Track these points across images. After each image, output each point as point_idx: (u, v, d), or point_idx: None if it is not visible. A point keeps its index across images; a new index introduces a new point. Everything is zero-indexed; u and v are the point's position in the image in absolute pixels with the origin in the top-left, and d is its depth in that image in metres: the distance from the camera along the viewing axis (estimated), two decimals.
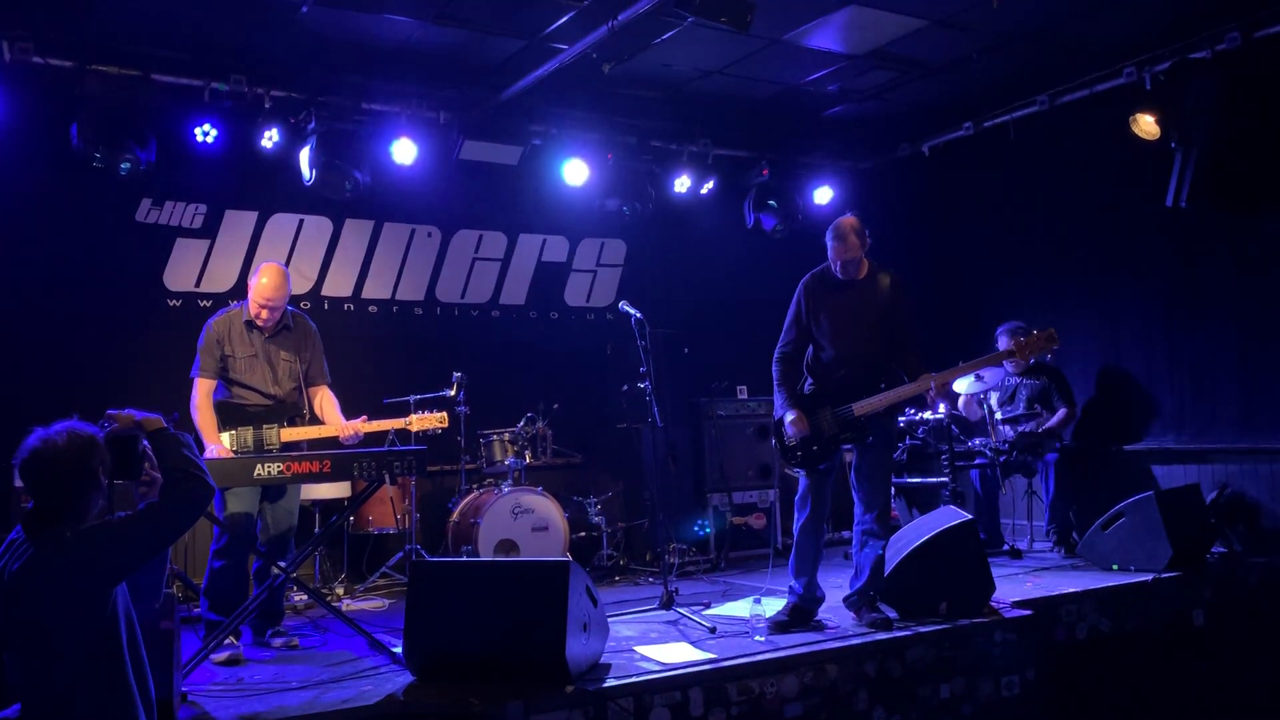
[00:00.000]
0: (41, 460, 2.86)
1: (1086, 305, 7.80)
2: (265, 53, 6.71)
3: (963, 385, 7.36)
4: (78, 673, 2.77)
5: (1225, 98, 6.40)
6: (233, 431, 5.08)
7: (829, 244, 5.10)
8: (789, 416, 5.06)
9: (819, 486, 5.13)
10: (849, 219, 5.14)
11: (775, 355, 5.25)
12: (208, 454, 4.90)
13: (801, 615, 5.06)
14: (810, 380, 5.22)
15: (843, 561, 6.89)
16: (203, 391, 5.12)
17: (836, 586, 5.47)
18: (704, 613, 5.45)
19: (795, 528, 5.20)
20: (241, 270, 7.28)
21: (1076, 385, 7.46)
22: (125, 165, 6.37)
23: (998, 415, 7.41)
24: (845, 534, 7.42)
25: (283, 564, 4.99)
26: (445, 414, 5.46)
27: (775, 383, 5.21)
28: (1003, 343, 7.33)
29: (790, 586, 5.16)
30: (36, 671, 2.78)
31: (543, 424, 7.21)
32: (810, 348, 5.24)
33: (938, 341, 8.18)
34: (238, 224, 7.34)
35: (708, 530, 7.52)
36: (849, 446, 5.13)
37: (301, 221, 7.57)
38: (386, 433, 5.92)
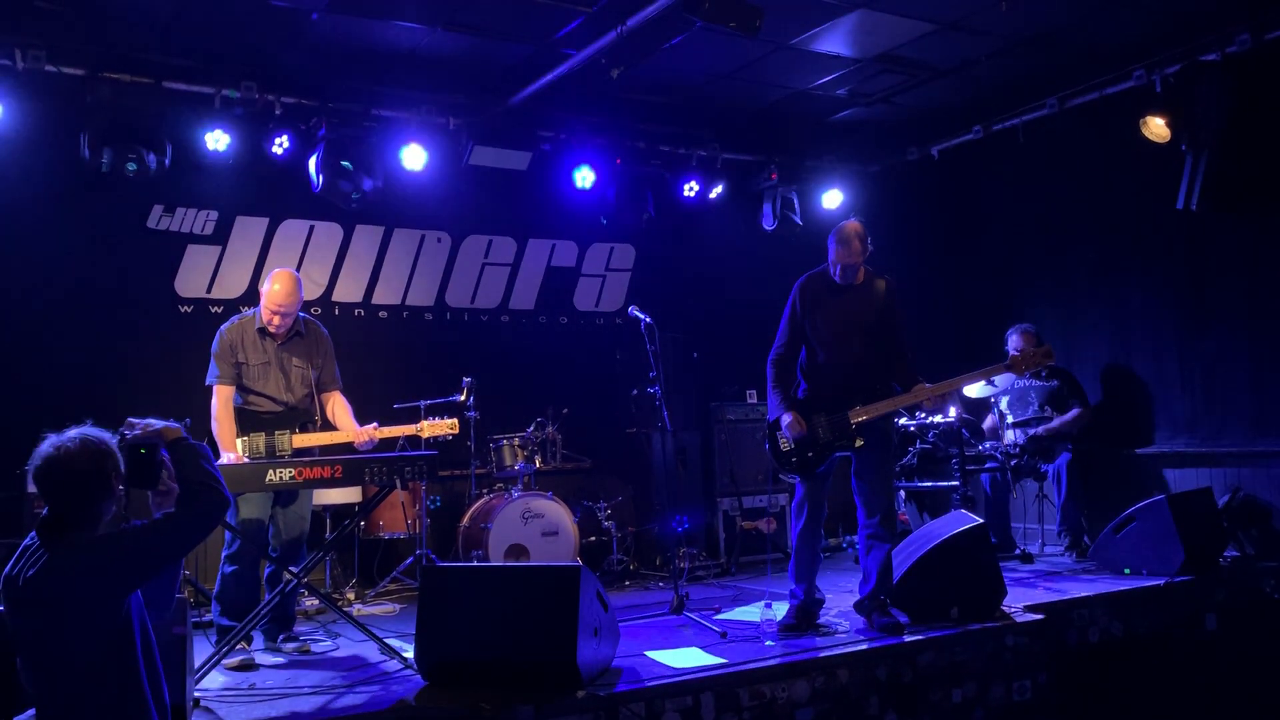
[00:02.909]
0: (55, 466, 2.86)
1: (1097, 308, 7.78)
2: (276, 59, 6.74)
3: (974, 390, 7.34)
4: (91, 678, 2.78)
5: (1236, 100, 6.38)
6: (245, 438, 5.09)
7: (831, 247, 5.11)
8: (785, 419, 5.05)
9: (815, 493, 5.13)
10: (853, 223, 5.15)
11: (770, 358, 5.24)
12: (222, 461, 4.92)
13: (806, 616, 5.09)
14: (804, 385, 5.21)
15: (853, 566, 6.88)
16: (222, 399, 5.12)
17: (848, 591, 5.47)
18: (715, 617, 5.45)
19: (793, 534, 5.21)
20: (252, 276, 7.31)
21: (1088, 388, 7.44)
22: (136, 171, 6.39)
23: (1009, 419, 7.39)
24: (853, 538, 7.41)
25: (294, 569, 5.00)
26: (456, 420, 5.46)
27: (769, 385, 5.19)
28: (1012, 342, 7.32)
29: (791, 591, 5.18)
30: (50, 677, 2.79)
31: (552, 429, 7.22)
32: (804, 351, 5.23)
33: (947, 344, 8.19)
34: (248, 230, 7.37)
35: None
36: (845, 454, 5.12)
37: (312, 228, 7.59)
38: (397, 438, 5.93)
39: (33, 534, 2.90)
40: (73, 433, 2.92)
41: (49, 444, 2.90)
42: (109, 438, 2.97)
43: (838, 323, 5.11)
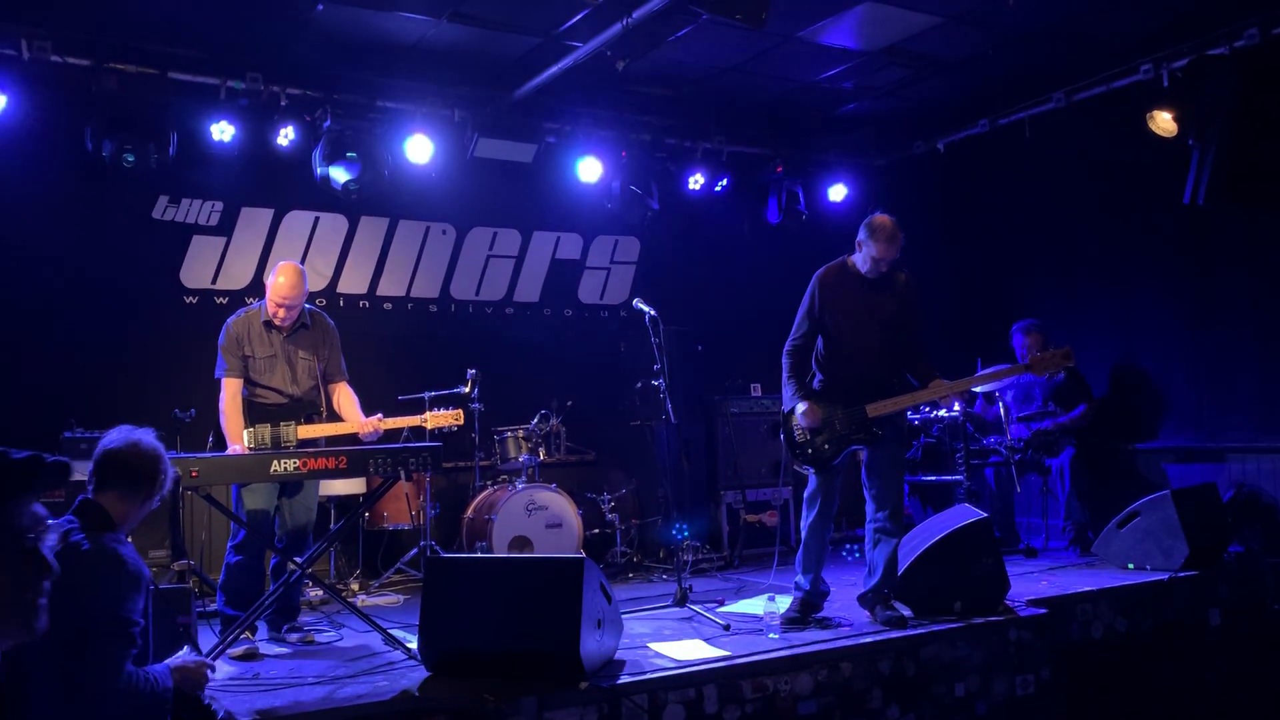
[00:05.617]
0: (118, 453, 3.02)
1: (1102, 303, 7.76)
2: (281, 51, 6.74)
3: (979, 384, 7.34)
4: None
5: (1243, 94, 6.35)
6: (250, 429, 5.10)
7: (874, 242, 4.97)
8: (800, 408, 5.03)
9: (828, 484, 5.12)
10: (892, 219, 5.01)
11: (786, 348, 5.20)
12: (229, 452, 4.96)
13: (809, 609, 5.10)
14: (820, 376, 5.19)
15: (857, 559, 6.88)
16: (230, 392, 5.14)
17: (851, 584, 5.46)
18: (718, 610, 5.45)
19: (803, 526, 5.20)
20: (258, 267, 7.32)
21: (1093, 383, 7.43)
22: (141, 162, 6.39)
23: (1013, 413, 7.38)
24: (859, 531, 7.42)
25: (299, 559, 5.01)
26: (460, 411, 5.47)
27: (785, 375, 5.17)
28: (1017, 340, 7.30)
29: (796, 582, 5.18)
30: (54, 661, 2.79)
31: (556, 421, 7.22)
32: (820, 342, 5.19)
33: (951, 338, 8.18)
34: (254, 221, 7.38)
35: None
36: (859, 446, 5.11)
37: (317, 219, 7.60)
38: (401, 429, 5.94)
39: (69, 516, 2.93)
40: (141, 432, 3.08)
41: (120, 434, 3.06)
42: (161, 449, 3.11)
43: (859, 315, 5.07)
